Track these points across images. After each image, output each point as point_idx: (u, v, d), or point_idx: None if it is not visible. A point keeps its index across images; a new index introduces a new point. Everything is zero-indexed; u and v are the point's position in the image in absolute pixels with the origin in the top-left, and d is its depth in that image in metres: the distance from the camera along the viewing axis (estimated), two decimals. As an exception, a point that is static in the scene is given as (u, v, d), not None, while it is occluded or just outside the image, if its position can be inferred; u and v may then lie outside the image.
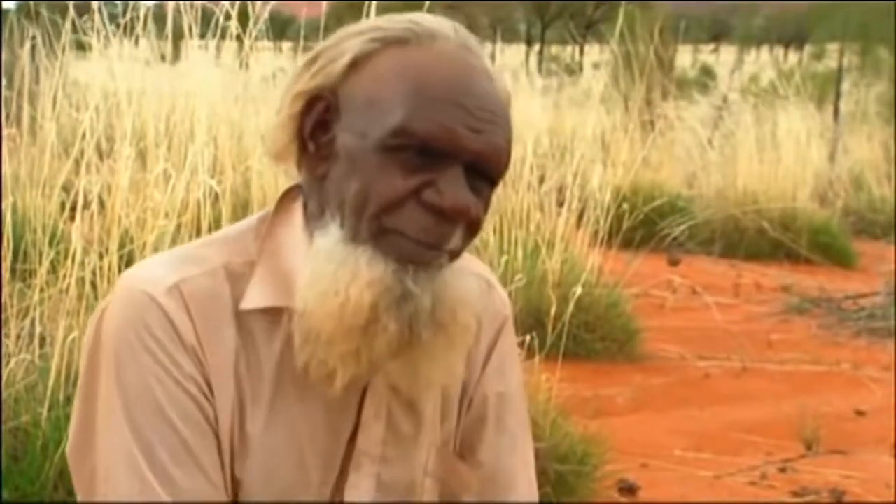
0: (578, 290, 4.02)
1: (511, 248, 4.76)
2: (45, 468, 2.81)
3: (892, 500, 3.77)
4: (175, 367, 1.11)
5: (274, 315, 1.15)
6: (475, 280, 1.21)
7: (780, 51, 49.39)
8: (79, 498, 1.16)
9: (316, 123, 1.15)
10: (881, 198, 10.23)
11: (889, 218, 9.60)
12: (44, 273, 3.22)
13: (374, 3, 3.33)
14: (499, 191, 1.17)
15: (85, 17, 4.07)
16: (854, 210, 9.89)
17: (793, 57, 42.55)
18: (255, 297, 1.15)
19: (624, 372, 5.13)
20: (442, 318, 1.11)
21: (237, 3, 4.09)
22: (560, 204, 5.08)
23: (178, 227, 3.36)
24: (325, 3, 5.17)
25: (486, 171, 1.12)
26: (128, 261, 3.25)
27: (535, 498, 1.34)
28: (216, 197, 3.62)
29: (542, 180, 5.27)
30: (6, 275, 3.33)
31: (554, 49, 34.72)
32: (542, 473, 3.17)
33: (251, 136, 5.17)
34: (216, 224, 3.51)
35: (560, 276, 4.89)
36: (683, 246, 7.61)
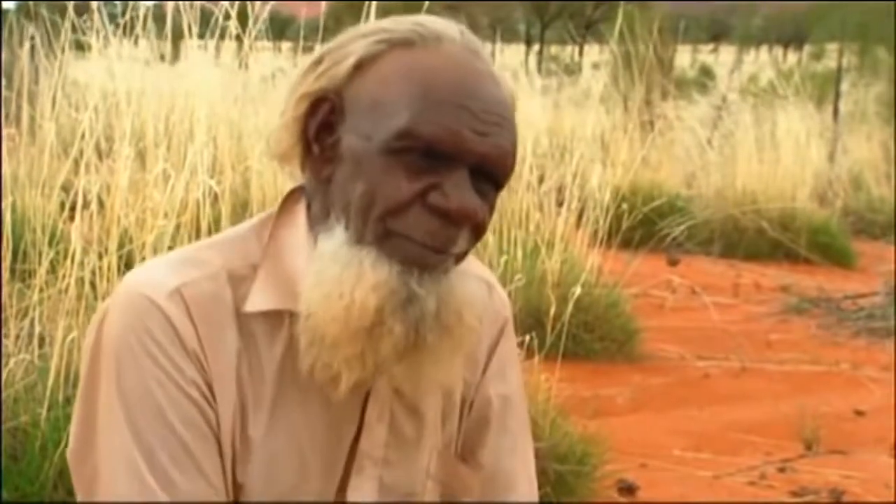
0: (578, 290, 4.03)
1: (510, 248, 4.76)
2: (44, 468, 2.81)
3: (891, 500, 3.77)
4: (176, 371, 1.10)
5: (276, 318, 1.15)
6: (477, 282, 1.21)
7: (779, 51, 49.37)
8: (79, 500, 1.16)
9: (320, 125, 1.14)
10: (880, 198, 10.24)
11: (888, 218, 9.61)
12: (43, 273, 3.22)
13: (373, 3, 3.33)
14: (501, 192, 1.17)
15: (84, 16, 4.07)
16: (853, 210, 9.90)
17: (792, 57, 42.56)
18: (258, 300, 1.14)
19: (623, 372, 5.13)
20: (447, 321, 1.11)
21: (236, 2, 4.08)
22: (559, 204, 5.08)
23: (178, 227, 3.36)
24: (324, 3, 5.18)
25: (491, 173, 1.12)
26: (127, 261, 3.25)
27: (536, 498, 1.34)
28: (215, 197, 3.62)
29: (541, 180, 5.27)
30: (5, 275, 3.33)
31: (553, 49, 34.74)
32: (541, 473, 3.16)
33: (250, 136, 5.17)
34: (215, 224, 3.51)
35: (559, 276, 4.89)
36: (683, 246, 7.61)
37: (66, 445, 1.18)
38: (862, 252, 8.55)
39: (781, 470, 4.03)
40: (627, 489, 3.72)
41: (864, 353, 5.79)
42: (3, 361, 2.98)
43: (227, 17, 4.09)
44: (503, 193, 1.17)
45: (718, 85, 13.01)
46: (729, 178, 8.85)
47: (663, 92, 10.59)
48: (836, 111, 12.14)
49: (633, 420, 4.52)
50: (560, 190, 5.16)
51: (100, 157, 3.63)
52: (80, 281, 3.15)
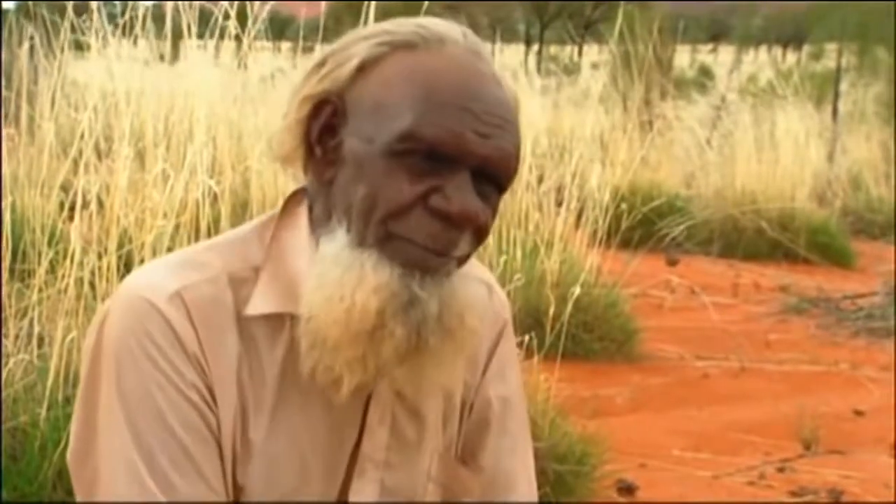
0: (577, 290, 4.03)
1: (510, 248, 4.76)
2: (43, 468, 2.81)
3: (891, 500, 3.77)
4: (176, 374, 1.10)
5: (277, 321, 1.14)
6: (477, 284, 1.21)
7: (778, 51, 49.37)
8: (79, 502, 1.16)
9: (323, 128, 1.14)
10: (879, 198, 10.24)
11: (887, 218, 9.61)
12: (42, 273, 3.22)
13: (372, 3, 3.33)
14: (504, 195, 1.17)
15: (83, 16, 4.06)
16: (852, 210, 9.90)
17: (791, 57, 42.56)
18: (260, 302, 1.14)
19: (622, 372, 5.13)
20: (450, 323, 1.10)
21: (236, 2, 4.08)
22: (559, 204, 5.09)
23: (177, 227, 3.36)
24: (323, 3, 5.18)
25: (493, 176, 1.12)
26: (126, 261, 3.25)
27: (535, 499, 1.34)
28: (215, 197, 3.61)
29: (540, 180, 5.27)
30: (5, 275, 3.33)
31: (553, 49, 34.72)
32: (540, 473, 3.16)
33: (250, 136, 5.17)
34: (215, 224, 3.51)
35: (558, 276, 4.89)
36: (682, 246, 7.61)
37: (65, 446, 1.18)
38: (861, 252, 8.55)
39: (781, 470, 4.03)
40: (627, 489, 3.73)
41: (863, 353, 5.79)
42: (3, 361, 2.98)
43: (227, 16, 4.09)
44: (505, 195, 1.16)
45: (718, 85, 13.02)
46: (728, 178, 8.85)
47: (662, 92, 10.59)
48: (835, 111, 12.15)
49: (632, 420, 4.52)
50: (559, 190, 5.16)
51: (99, 157, 3.63)
52: (80, 281, 3.15)
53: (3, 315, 3.14)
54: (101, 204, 3.44)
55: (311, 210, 1.17)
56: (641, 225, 5.92)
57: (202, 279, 1.14)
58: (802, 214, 8.42)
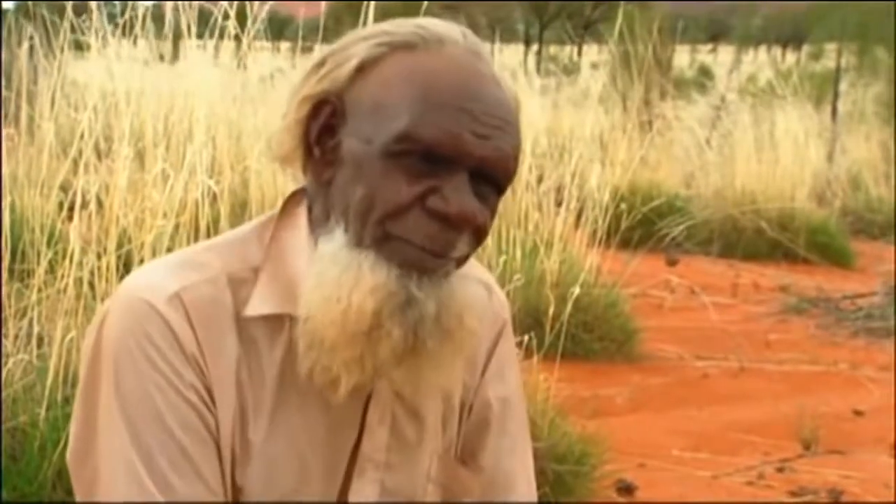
0: (577, 290, 4.03)
1: (509, 248, 4.76)
2: (43, 468, 2.81)
3: (890, 499, 3.77)
4: (175, 375, 1.10)
5: (276, 322, 1.14)
6: (476, 285, 1.20)
7: (777, 51, 49.37)
8: (78, 502, 1.16)
9: (322, 128, 1.14)
10: (879, 198, 10.24)
11: (887, 218, 9.62)
12: (42, 273, 3.22)
13: (372, 3, 3.33)
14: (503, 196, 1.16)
15: (83, 16, 4.06)
16: (852, 210, 9.91)
17: (791, 57, 42.57)
18: (259, 303, 1.14)
19: (622, 372, 5.13)
20: (448, 325, 1.10)
21: (235, 2, 4.08)
22: (558, 204, 5.09)
23: (177, 227, 3.36)
24: (323, 3, 5.18)
25: (492, 177, 1.11)
26: (126, 261, 3.25)
27: (535, 499, 1.34)
28: (214, 197, 3.61)
29: (540, 180, 5.27)
30: (4, 275, 3.32)
31: (552, 49, 34.72)
32: (540, 473, 3.16)
33: (249, 136, 5.16)
34: (214, 224, 3.51)
35: (558, 276, 4.89)
36: (681, 246, 7.61)
37: (65, 446, 1.18)
38: (861, 252, 8.56)
39: (780, 470, 4.03)
40: (626, 489, 3.73)
41: (862, 353, 5.79)
42: (2, 361, 2.98)
43: (226, 16, 4.09)
44: (504, 195, 1.16)
45: (717, 85, 13.03)
46: (728, 178, 8.85)
47: (662, 92, 10.59)
48: (834, 111, 12.15)
49: (631, 420, 4.52)
50: (559, 190, 5.17)
51: (98, 156, 3.63)
52: (79, 281, 3.15)
53: (2, 315, 3.14)
54: (100, 204, 3.44)
55: (310, 210, 1.17)
56: (641, 225, 5.92)
57: (201, 280, 1.14)
58: (802, 214, 8.43)
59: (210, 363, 1.12)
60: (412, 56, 1.12)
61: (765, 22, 56.19)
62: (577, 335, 5.00)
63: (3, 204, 3.70)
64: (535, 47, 35.97)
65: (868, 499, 3.81)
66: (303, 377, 1.12)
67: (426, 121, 1.08)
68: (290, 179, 1.23)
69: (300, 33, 4.54)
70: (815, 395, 4.93)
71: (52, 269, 3.25)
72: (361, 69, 1.12)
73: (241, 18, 4.15)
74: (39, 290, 3.19)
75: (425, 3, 3.00)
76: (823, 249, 8.22)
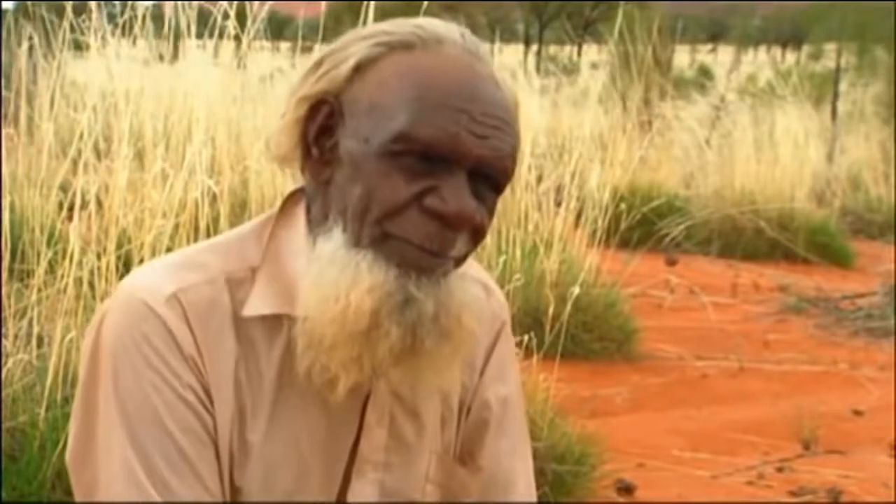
0: (576, 290, 4.03)
1: (509, 248, 4.76)
2: (42, 468, 2.81)
3: (890, 499, 3.77)
4: (173, 376, 1.10)
5: (274, 322, 1.14)
6: (475, 285, 1.20)
7: (777, 51, 49.41)
8: (77, 503, 1.16)
9: (320, 128, 1.14)
10: (878, 198, 10.25)
11: (886, 218, 9.62)
12: (41, 273, 3.22)
13: (371, 3, 3.33)
14: (501, 195, 1.16)
15: (83, 16, 4.06)
16: (851, 210, 9.91)
17: (790, 57, 42.57)
18: (257, 304, 1.14)
19: (621, 372, 5.13)
20: (447, 325, 1.10)
21: (235, 2, 4.08)
22: (558, 204, 5.09)
23: (176, 227, 3.36)
24: (323, 3, 5.18)
25: (490, 176, 1.11)
26: (125, 261, 3.25)
27: (534, 499, 1.34)
28: (214, 197, 3.61)
29: (539, 180, 5.27)
30: (4, 275, 3.32)
31: (552, 49, 34.69)
32: (539, 473, 3.17)
33: (249, 135, 5.17)
34: (214, 224, 3.51)
35: (558, 275, 4.89)
36: (681, 246, 7.61)
37: (64, 446, 1.18)
38: (860, 252, 8.56)
39: (780, 470, 4.03)
40: (626, 489, 3.73)
41: (862, 353, 5.79)
42: (2, 361, 2.98)
43: (226, 16, 4.09)
44: (503, 194, 1.16)
45: (717, 85, 13.03)
46: (727, 178, 8.85)
47: (662, 92, 10.59)
48: (834, 111, 12.16)
49: (631, 420, 4.52)
50: (558, 190, 5.16)
51: (98, 156, 3.63)
52: (79, 281, 3.15)
53: (2, 315, 3.13)
54: (100, 204, 3.44)
55: (308, 210, 1.17)
56: (640, 225, 5.92)
57: (200, 280, 1.14)
58: (801, 214, 8.43)
59: (208, 364, 1.12)
60: (410, 56, 1.12)
61: (764, 22, 56.22)
62: (577, 335, 5.00)
63: (3, 204, 3.70)
64: (534, 47, 35.95)
65: (867, 499, 3.81)
66: (301, 377, 1.12)
67: (424, 120, 1.08)
68: (290, 179, 1.23)
69: (300, 33, 4.54)
70: (815, 394, 4.93)
71: (51, 269, 3.25)
72: (359, 69, 1.12)
73: (241, 18, 4.15)
74: (39, 290, 3.19)
75: (425, 3, 3.00)
76: (823, 249, 8.23)
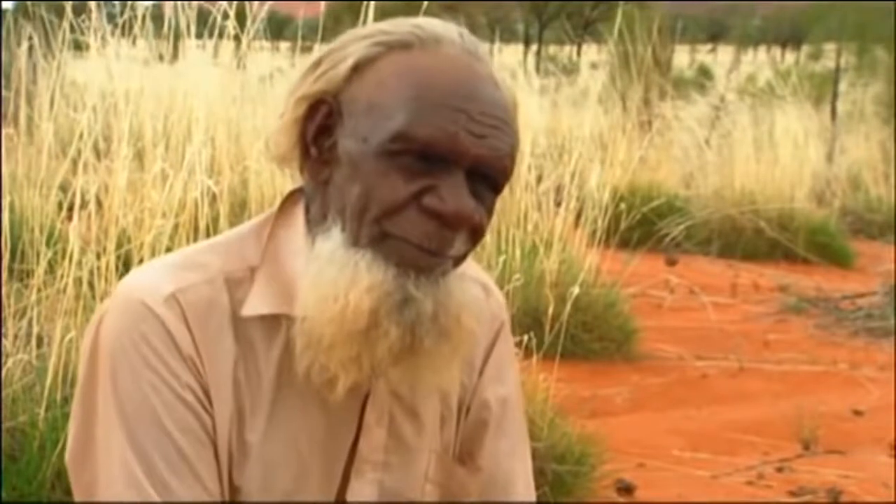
0: (576, 290, 4.02)
1: (509, 248, 4.76)
2: (42, 468, 2.81)
3: (890, 499, 3.77)
4: (172, 376, 1.10)
5: (273, 322, 1.14)
6: (474, 285, 1.20)
7: (777, 51, 49.42)
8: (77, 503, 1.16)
9: (318, 128, 1.14)
10: (878, 198, 10.25)
11: (886, 218, 9.62)
12: (41, 273, 3.22)
13: (371, 3, 3.33)
14: (500, 195, 1.16)
15: (82, 16, 4.06)
16: (851, 210, 9.91)
17: (790, 57, 42.58)
18: (256, 303, 1.14)
19: (621, 372, 5.13)
20: (446, 324, 1.10)
21: (234, 2, 4.08)
22: (558, 204, 5.08)
23: (176, 227, 3.36)
24: (322, 3, 5.18)
25: (488, 176, 1.11)
26: (125, 261, 3.25)
27: (533, 499, 1.34)
28: (214, 197, 3.61)
29: (539, 180, 5.26)
30: (4, 274, 3.32)
31: (552, 49, 34.69)
32: (539, 473, 3.17)
33: (249, 135, 5.17)
34: (214, 224, 3.51)
35: (558, 275, 4.89)
36: (681, 246, 7.61)
37: (64, 446, 1.18)
38: (860, 252, 8.56)
39: (779, 470, 4.03)
40: (625, 489, 3.72)
41: (862, 353, 5.79)
42: (2, 361, 2.98)
43: (226, 16, 4.09)
44: (502, 194, 1.16)
45: (717, 85, 13.03)
46: (727, 178, 8.85)
47: (661, 92, 10.58)
48: (833, 111, 12.16)
49: (631, 420, 4.52)
50: (558, 190, 5.16)
51: (98, 156, 3.63)
52: (79, 281, 3.15)
53: (1, 315, 3.13)
54: (99, 204, 3.44)
55: (307, 210, 1.17)
56: (640, 225, 5.92)
57: (198, 280, 1.14)
58: (801, 214, 8.43)
59: (207, 364, 1.12)
60: (408, 55, 1.12)
61: (764, 22, 56.24)
62: (577, 335, 5.00)
63: (3, 204, 3.70)
64: (534, 47, 35.95)
65: (867, 499, 3.81)
66: (300, 377, 1.12)
67: (422, 120, 1.08)
68: (289, 179, 1.23)
69: (299, 33, 4.53)
70: (815, 394, 4.93)
71: (51, 269, 3.25)
72: (357, 69, 1.12)
73: (241, 18, 4.15)
74: (39, 290, 3.19)
75: (425, 3, 3.00)
76: (823, 249, 8.23)
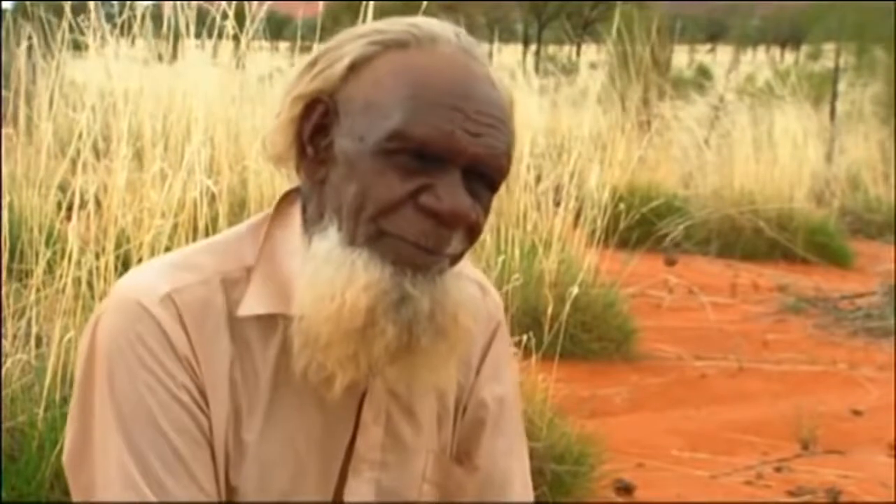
0: (575, 290, 4.02)
1: (508, 248, 4.76)
2: (41, 468, 2.81)
3: (889, 499, 3.77)
4: (168, 377, 1.10)
5: (269, 321, 1.14)
6: (471, 284, 1.20)
7: (776, 51, 49.44)
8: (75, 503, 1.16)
9: (315, 127, 1.14)
10: (877, 198, 10.25)
11: (885, 218, 9.63)
12: (40, 273, 3.22)
13: (370, 3, 3.33)
14: (497, 193, 1.16)
15: (81, 16, 4.06)
16: (850, 210, 9.91)
17: (789, 57, 42.59)
18: (252, 303, 1.14)
19: (620, 372, 5.13)
20: (443, 322, 1.10)
21: (234, 2, 4.08)
22: (557, 204, 5.08)
23: (175, 226, 3.36)
24: (321, 2, 5.17)
25: (484, 174, 1.11)
26: (124, 260, 3.25)
27: (531, 499, 1.34)
28: (213, 197, 3.61)
29: (538, 180, 5.26)
30: (3, 274, 3.32)
31: (551, 49, 34.69)
32: (538, 473, 3.17)
33: (248, 135, 5.16)
34: (213, 224, 3.51)
35: (557, 275, 4.89)
36: (680, 246, 7.62)
37: (63, 446, 1.18)
38: (859, 252, 8.56)
39: (778, 470, 4.03)
40: (625, 489, 3.73)
41: (861, 353, 5.79)
42: (1, 361, 2.97)
43: (225, 16, 4.09)
44: (501, 194, 1.16)
45: (716, 85, 13.03)
46: (726, 178, 8.86)
47: (660, 92, 10.59)
48: (833, 111, 12.16)
49: (630, 420, 4.52)
50: (557, 190, 5.16)
51: (97, 156, 3.63)
52: (78, 281, 3.15)
53: (1, 315, 3.13)
54: (98, 204, 3.44)
55: (304, 210, 1.17)
56: (639, 225, 5.92)
57: (194, 281, 1.14)
58: (800, 214, 8.43)
59: (203, 364, 1.12)
60: (405, 55, 1.12)
61: (763, 22, 56.25)
62: (576, 335, 5.00)
63: (2, 203, 3.70)
64: (533, 47, 35.94)
65: (866, 498, 3.81)
66: (297, 376, 1.12)
67: (418, 119, 1.08)
68: (288, 179, 1.23)
69: (299, 33, 4.54)
70: (814, 394, 4.93)
71: (50, 269, 3.25)
72: (354, 68, 1.12)
73: (240, 18, 4.15)
74: (38, 290, 3.19)
75: (424, 3, 3.00)
76: (822, 249, 8.23)
